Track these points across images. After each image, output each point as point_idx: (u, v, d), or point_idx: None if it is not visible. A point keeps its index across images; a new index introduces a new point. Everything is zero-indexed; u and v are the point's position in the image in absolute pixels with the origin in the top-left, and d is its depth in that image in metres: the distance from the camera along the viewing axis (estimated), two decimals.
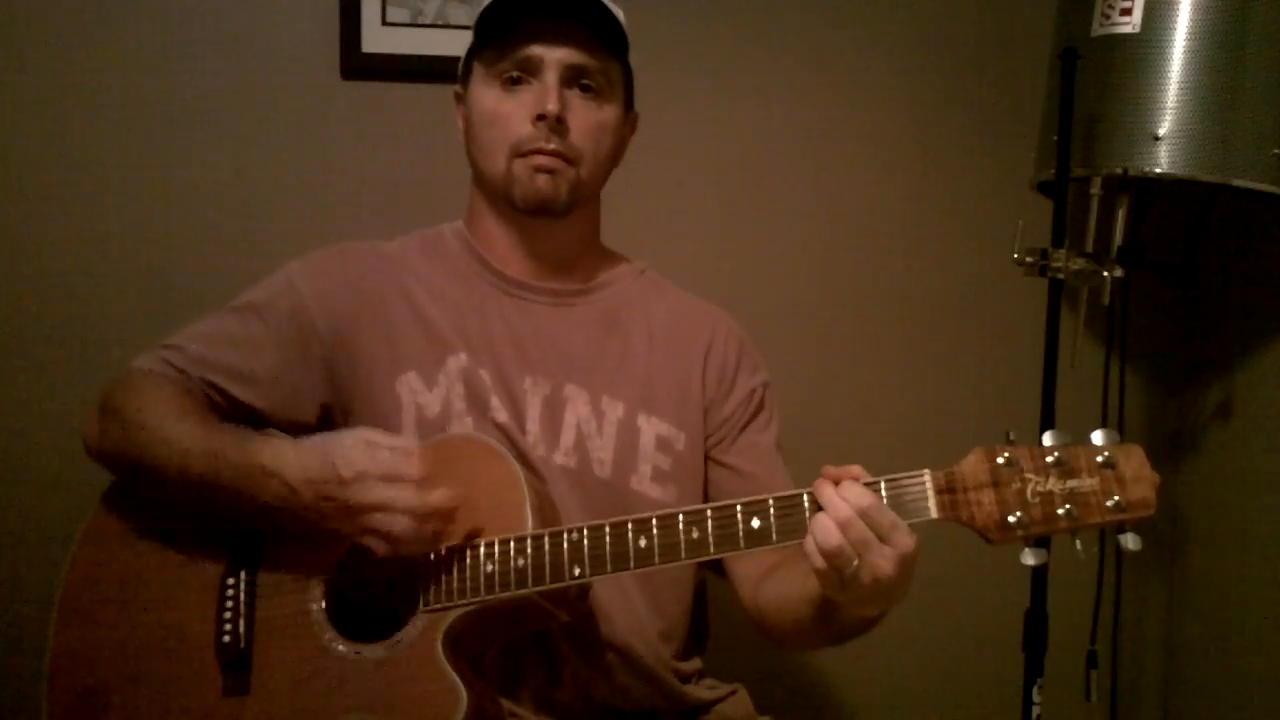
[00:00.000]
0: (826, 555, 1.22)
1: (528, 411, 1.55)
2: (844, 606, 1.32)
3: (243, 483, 1.41)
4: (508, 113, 1.54)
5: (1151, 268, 2.10)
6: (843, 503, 1.23)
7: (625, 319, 1.65)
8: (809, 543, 1.24)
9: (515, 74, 1.54)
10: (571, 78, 1.54)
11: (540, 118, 1.51)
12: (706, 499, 1.62)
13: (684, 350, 1.65)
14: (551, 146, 1.52)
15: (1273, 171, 1.89)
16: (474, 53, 1.59)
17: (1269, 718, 2.09)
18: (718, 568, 1.62)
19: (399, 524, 1.36)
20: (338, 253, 1.64)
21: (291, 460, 1.40)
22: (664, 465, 1.59)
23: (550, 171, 1.53)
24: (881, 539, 1.22)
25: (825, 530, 1.22)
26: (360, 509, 1.36)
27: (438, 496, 1.37)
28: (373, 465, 1.36)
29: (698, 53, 2.23)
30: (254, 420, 1.55)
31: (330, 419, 1.58)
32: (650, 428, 1.59)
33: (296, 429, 1.55)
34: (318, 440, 1.43)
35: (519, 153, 1.53)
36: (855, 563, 1.22)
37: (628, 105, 1.63)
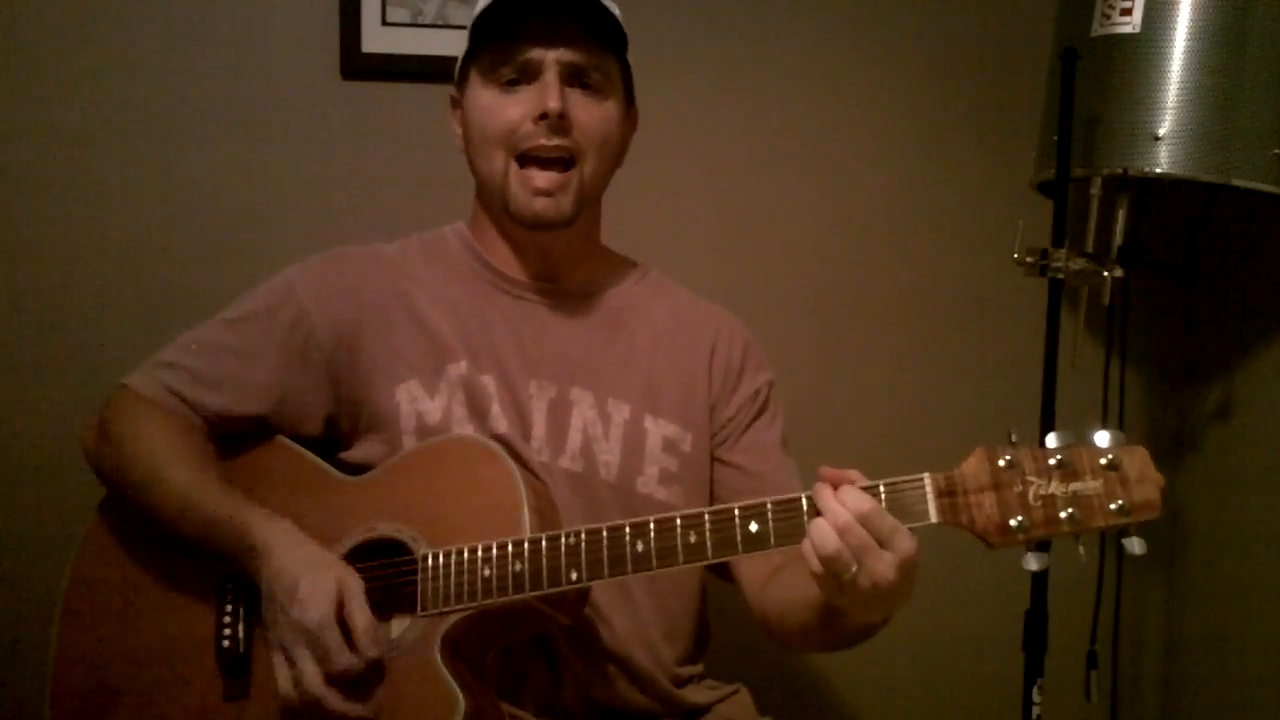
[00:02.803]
0: (824, 561, 1.21)
1: (533, 416, 1.55)
2: (844, 612, 1.30)
3: (227, 551, 1.43)
4: (505, 111, 1.52)
5: (1151, 268, 2.10)
6: (841, 508, 1.21)
7: (629, 320, 1.64)
8: (806, 546, 1.23)
9: (514, 76, 1.52)
10: (571, 76, 1.52)
11: (542, 116, 1.49)
12: (712, 499, 1.61)
13: (689, 350, 1.64)
14: (554, 143, 1.50)
15: (1273, 171, 1.89)
16: (470, 57, 1.57)
17: (1269, 718, 2.09)
18: (723, 572, 1.61)
19: (283, 683, 1.36)
20: (338, 257, 1.63)
21: (276, 554, 1.39)
22: (671, 467, 1.58)
23: (549, 194, 1.51)
24: (881, 544, 1.21)
25: (823, 536, 1.21)
26: (280, 642, 1.37)
27: (334, 701, 1.34)
28: (316, 627, 1.34)
29: (697, 53, 2.23)
30: (259, 428, 1.56)
31: (336, 428, 1.58)
32: (657, 429, 1.59)
33: (302, 438, 1.56)
34: (311, 554, 1.40)
35: (519, 151, 1.52)
36: (854, 568, 1.20)
37: (628, 102, 1.62)
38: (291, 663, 1.36)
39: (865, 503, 1.21)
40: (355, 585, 1.38)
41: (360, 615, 1.35)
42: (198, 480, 1.46)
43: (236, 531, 1.42)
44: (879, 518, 1.21)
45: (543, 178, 1.51)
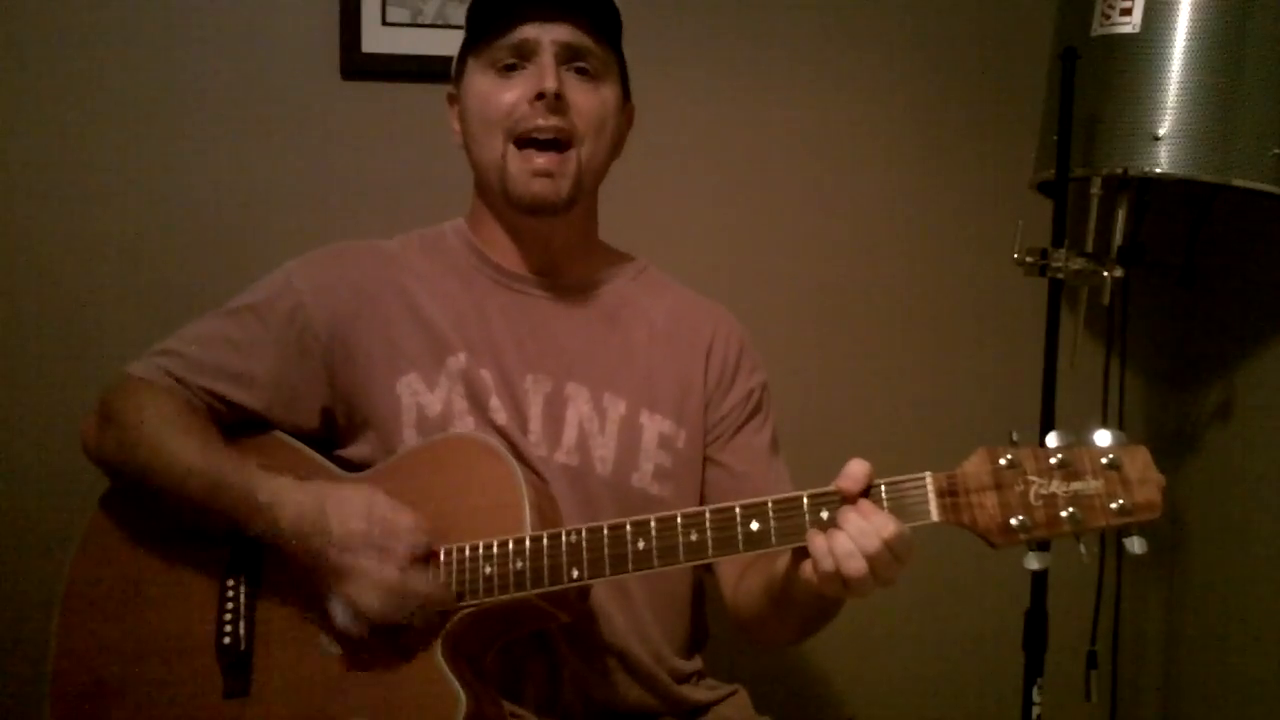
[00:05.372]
0: (849, 582, 1.24)
1: (529, 410, 1.55)
2: (799, 597, 1.35)
3: (237, 512, 1.41)
4: (502, 94, 1.53)
5: (1151, 268, 2.10)
6: (873, 535, 1.23)
7: (626, 316, 1.64)
8: (820, 548, 1.25)
9: (511, 60, 1.53)
10: (568, 59, 1.52)
11: (539, 97, 1.50)
12: (701, 498, 1.62)
13: (685, 347, 1.65)
14: (551, 123, 1.50)
15: (1273, 171, 1.89)
16: (467, 47, 1.58)
17: (1269, 718, 2.09)
18: (709, 569, 1.62)
19: (368, 599, 1.35)
20: (337, 252, 1.64)
21: (288, 501, 1.40)
22: (665, 463, 1.58)
23: (549, 175, 1.52)
24: (897, 559, 1.24)
25: (850, 556, 1.23)
26: (340, 571, 1.36)
27: (419, 581, 1.35)
28: (365, 529, 1.36)
29: (697, 52, 2.23)
30: (256, 422, 1.55)
31: (333, 423, 1.58)
32: (653, 425, 1.59)
33: (299, 433, 1.56)
34: (321, 486, 1.42)
35: (515, 134, 1.52)
36: (871, 580, 1.24)
37: (624, 94, 1.62)
38: (354, 577, 1.35)
39: (889, 527, 1.24)
40: (375, 496, 1.39)
41: (395, 510, 1.38)
42: (201, 448, 1.46)
43: (242, 490, 1.41)
44: (902, 542, 1.24)
45: (542, 159, 1.51)
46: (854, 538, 1.23)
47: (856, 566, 1.23)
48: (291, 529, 1.38)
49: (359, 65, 2.14)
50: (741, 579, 1.55)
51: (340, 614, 1.37)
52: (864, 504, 1.25)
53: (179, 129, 2.11)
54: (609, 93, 1.57)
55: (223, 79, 2.12)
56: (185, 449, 1.45)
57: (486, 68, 1.55)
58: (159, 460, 1.46)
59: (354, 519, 1.36)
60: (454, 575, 1.38)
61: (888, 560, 1.23)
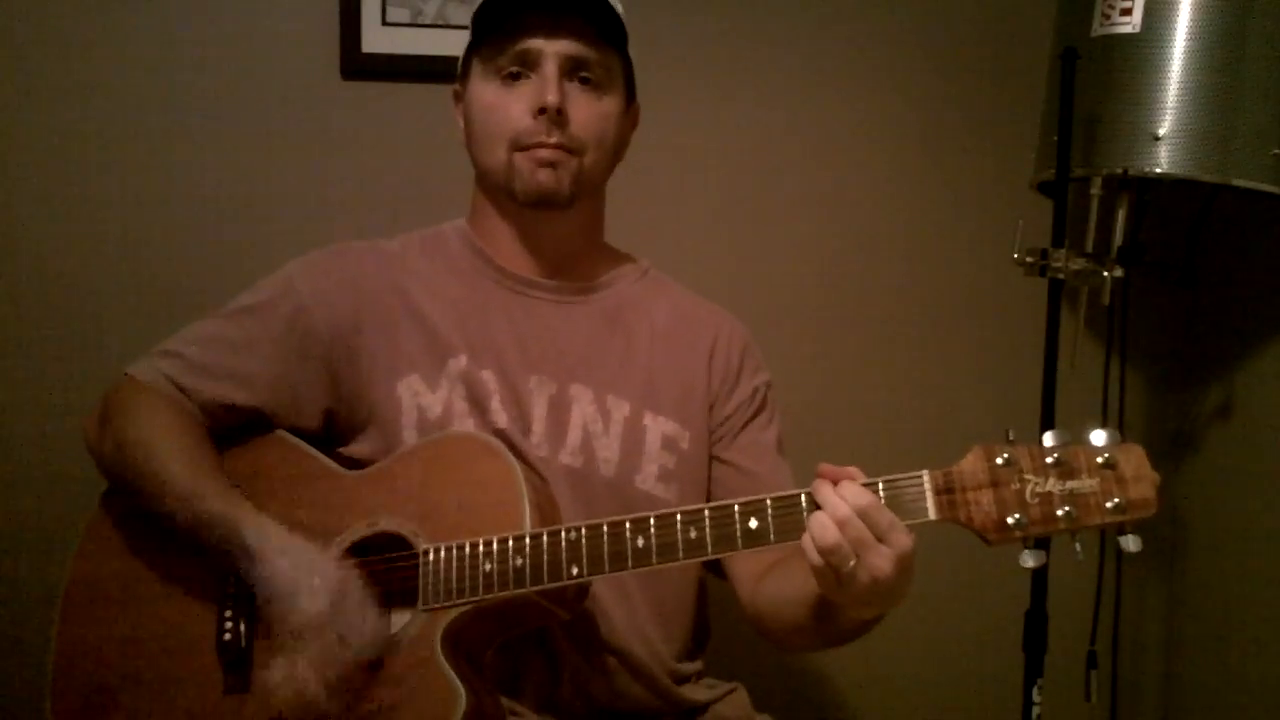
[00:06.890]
0: (824, 552, 1.21)
1: (533, 412, 1.55)
2: (840, 608, 1.31)
3: (222, 548, 1.41)
4: (507, 106, 1.53)
5: (1151, 268, 2.10)
6: (841, 501, 1.22)
7: (629, 317, 1.65)
8: (806, 539, 1.24)
9: (514, 69, 1.53)
10: (571, 70, 1.53)
11: (541, 111, 1.50)
12: (708, 498, 1.61)
13: (688, 348, 1.65)
14: (553, 140, 1.51)
15: (1273, 171, 1.89)
16: (472, 49, 1.58)
17: (1269, 718, 2.09)
18: (717, 569, 1.62)
19: (280, 683, 1.33)
20: (337, 253, 1.64)
21: (270, 555, 1.38)
22: (669, 464, 1.58)
23: (552, 165, 1.52)
24: (879, 538, 1.22)
25: (823, 527, 1.22)
26: (281, 645, 1.35)
27: (331, 705, 1.33)
28: (313, 629, 1.33)
29: (698, 52, 2.23)
30: (260, 423, 1.55)
31: (335, 423, 1.58)
32: (656, 426, 1.59)
33: (301, 432, 1.56)
34: (308, 554, 1.39)
35: (519, 146, 1.53)
36: (852, 562, 1.21)
37: (629, 98, 1.63)
38: (288, 663, 1.34)
39: (864, 497, 1.23)
40: (351, 585, 1.37)
41: (356, 615, 1.35)
42: (191, 474, 1.45)
43: (228, 529, 1.41)
44: (878, 512, 1.22)
45: (545, 151, 1.52)
46: (825, 506, 1.22)
47: (831, 538, 1.21)
48: (262, 581, 1.37)
49: (359, 65, 2.14)
50: (763, 579, 1.54)
51: (272, 670, 1.35)
52: (843, 482, 1.25)
53: (179, 129, 2.11)
54: (611, 103, 1.57)
55: (223, 79, 2.12)
56: (175, 474, 1.45)
57: (491, 75, 1.55)
58: (153, 484, 1.46)
59: (316, 608, 1.34)
60: (454, 572, 1.38)
61: (864, 535, 1.21)
